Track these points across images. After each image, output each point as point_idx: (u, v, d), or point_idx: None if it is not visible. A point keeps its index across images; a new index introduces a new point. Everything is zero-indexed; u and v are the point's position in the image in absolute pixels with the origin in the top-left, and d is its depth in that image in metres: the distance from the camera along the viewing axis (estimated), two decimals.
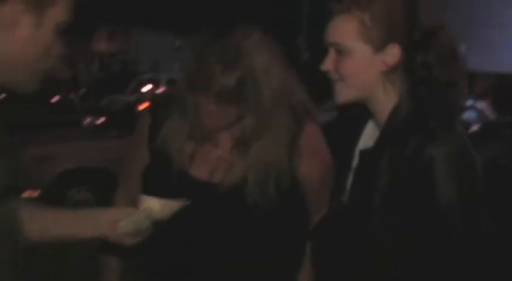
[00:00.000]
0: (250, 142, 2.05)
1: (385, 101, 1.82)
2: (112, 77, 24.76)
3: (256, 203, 2.00)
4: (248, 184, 2.03)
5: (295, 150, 2.09)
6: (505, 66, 13.96)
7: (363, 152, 1.89)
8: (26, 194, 8.07)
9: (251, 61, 1.99)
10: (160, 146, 2.13)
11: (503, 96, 9.43)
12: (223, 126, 2.07)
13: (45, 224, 1.89)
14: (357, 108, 1.92)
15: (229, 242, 2.01)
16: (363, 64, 1.80)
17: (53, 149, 8.89)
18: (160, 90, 21.10)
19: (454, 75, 1.81)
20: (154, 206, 1.86)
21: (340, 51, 1.82)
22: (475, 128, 7.37)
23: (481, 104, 8.57)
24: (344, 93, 1.85)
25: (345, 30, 1.81)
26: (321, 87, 2.33)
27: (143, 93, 19.16)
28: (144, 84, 21.29)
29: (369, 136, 1.92)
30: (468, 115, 7.81)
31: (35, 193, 8.18)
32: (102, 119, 11.56)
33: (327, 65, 1.86)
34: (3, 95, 2.01)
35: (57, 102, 15.69)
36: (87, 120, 12.28)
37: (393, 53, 1.79)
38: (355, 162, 1.91)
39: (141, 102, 11.29)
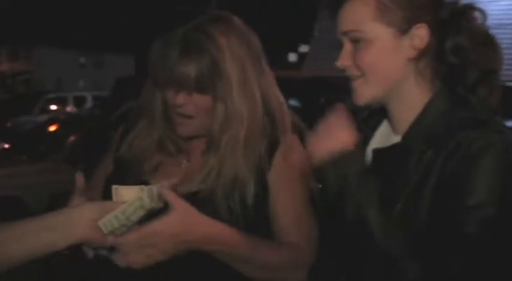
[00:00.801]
0: (219, 145, 1.82)
1: (415, 96, 1.58)
2: (16, 98, 23.92)
3: (224, 219, 1.76)
4: (215, 197, 1.81)
5: (269, 166, 1.84)
6: None
7: (378, 152, 1.66)
8: None
9: (215, 47, 1.78)
10: (124, 154, 1.94)
11: None
12: (194, 130, 1.86)
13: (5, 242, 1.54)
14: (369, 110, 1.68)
15: (192, 256, 1.75)
16: (387, 52, 1.55)
17: None
18: (68, 109, 20.59)
19: (491, 60, 1.57)
20: (137, 193, 1.60)
21: (357, 41, 1.56)
22: None
23: None
24: (366, 92, 1.59)
25: (361, 14, 1.55)
26: None
27: (52, 112, 18.57)
28: (51, 104, 20.69)
29: (382, 137, 1.69)
30: None
31: None
32: (7, 144, 11.02)
33: (343, 59, 1.59)
34: None
35: None
36: None
37: (421, 35, 1.54)
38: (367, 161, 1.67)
39: (51, 122, 10.85)
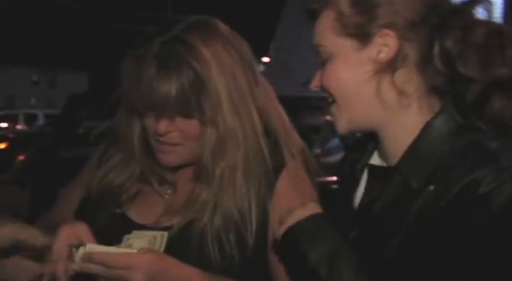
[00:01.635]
0: (213, 176, 1.53)
1: (405, 118, 1.31)
2: None
3: (214, 263, 1.49)
4: (205, 237, 1.52)
5: (271, 196, 1.56)
6: None
7: (372, 168, 1.41)
8: None
9: (199, 59, 1.48)
10: (97, 187, 1.65)
11: None
12: (181, 158, 1.57)
13: None
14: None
15: None
16: (350, 68, 1.31)
17: None
18: (19, 126, 20.14)
19: (497, 66, 1.27)
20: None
21: (323, 58, 1.35)
22: None
23: None
24: (341, 119, 1.35)
25: (323, 27, 1.35)
26: None
27: (1, 130, 18.10)
28: (1, 121, 20.21)
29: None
30: None
31: None
32: None
33: (314, 80, 1.38)
34: None
35: None
36: None
37: (387, 43, 1.29)
38: (363, 179, 1.43)
39: (0, 140, 10.49)
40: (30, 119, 21.14)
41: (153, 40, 1.51)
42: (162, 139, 1.53)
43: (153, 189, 1.63)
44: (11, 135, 11.19)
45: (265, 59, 19.95)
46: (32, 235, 1.43)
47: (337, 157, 6.76)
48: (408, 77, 1.30)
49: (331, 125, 1.55)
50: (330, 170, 2.39)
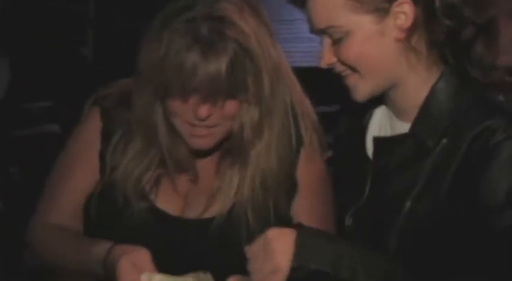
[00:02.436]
0: (246, 151, 1.52)
1: (417, 77, 1.42)
2: None
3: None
4: (242, 216, 1.53)
5: (295, 166, 1.58)
6: None
7: (381, 141, 1.49)
8: None
9: (239, 33, 1.42)
10: (122, 173, 1.57)
11: None
12: (216, 140, 1.53)
13: None
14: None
15: None
16: (372, 40, 1.38)
17: None
18: None
19: (487, 9, 1.39)
20: None
21: (337, 36, 1.40)
22: None
23: None
24: (365, 87, 1.42)
25: (331, 9, 1.38)
26: None
27: None
28: None
29: (380, 126, 1.53)
30: None
31: None
32: None
33: (326, 58, 1.43)
34: None
35: None
36: None
37: (405, 11, 1.37)
38: (369, 151, 1.51)
39: None
40: None
41: (182, 21, 1.44)
42: (202, 123, 1.48)
43: (172, 174, 1.59)
44: None
45: None
46: None
47: None
48: (420, 38, 1.41)
49: None
50: None
